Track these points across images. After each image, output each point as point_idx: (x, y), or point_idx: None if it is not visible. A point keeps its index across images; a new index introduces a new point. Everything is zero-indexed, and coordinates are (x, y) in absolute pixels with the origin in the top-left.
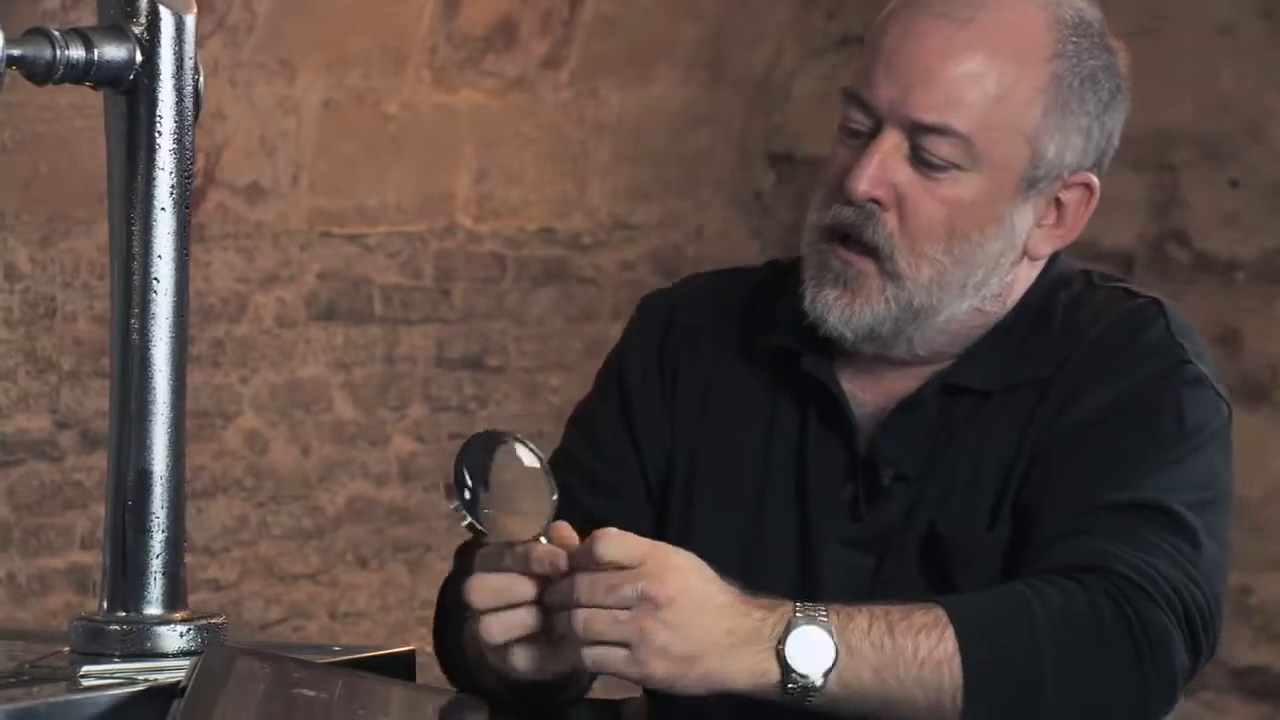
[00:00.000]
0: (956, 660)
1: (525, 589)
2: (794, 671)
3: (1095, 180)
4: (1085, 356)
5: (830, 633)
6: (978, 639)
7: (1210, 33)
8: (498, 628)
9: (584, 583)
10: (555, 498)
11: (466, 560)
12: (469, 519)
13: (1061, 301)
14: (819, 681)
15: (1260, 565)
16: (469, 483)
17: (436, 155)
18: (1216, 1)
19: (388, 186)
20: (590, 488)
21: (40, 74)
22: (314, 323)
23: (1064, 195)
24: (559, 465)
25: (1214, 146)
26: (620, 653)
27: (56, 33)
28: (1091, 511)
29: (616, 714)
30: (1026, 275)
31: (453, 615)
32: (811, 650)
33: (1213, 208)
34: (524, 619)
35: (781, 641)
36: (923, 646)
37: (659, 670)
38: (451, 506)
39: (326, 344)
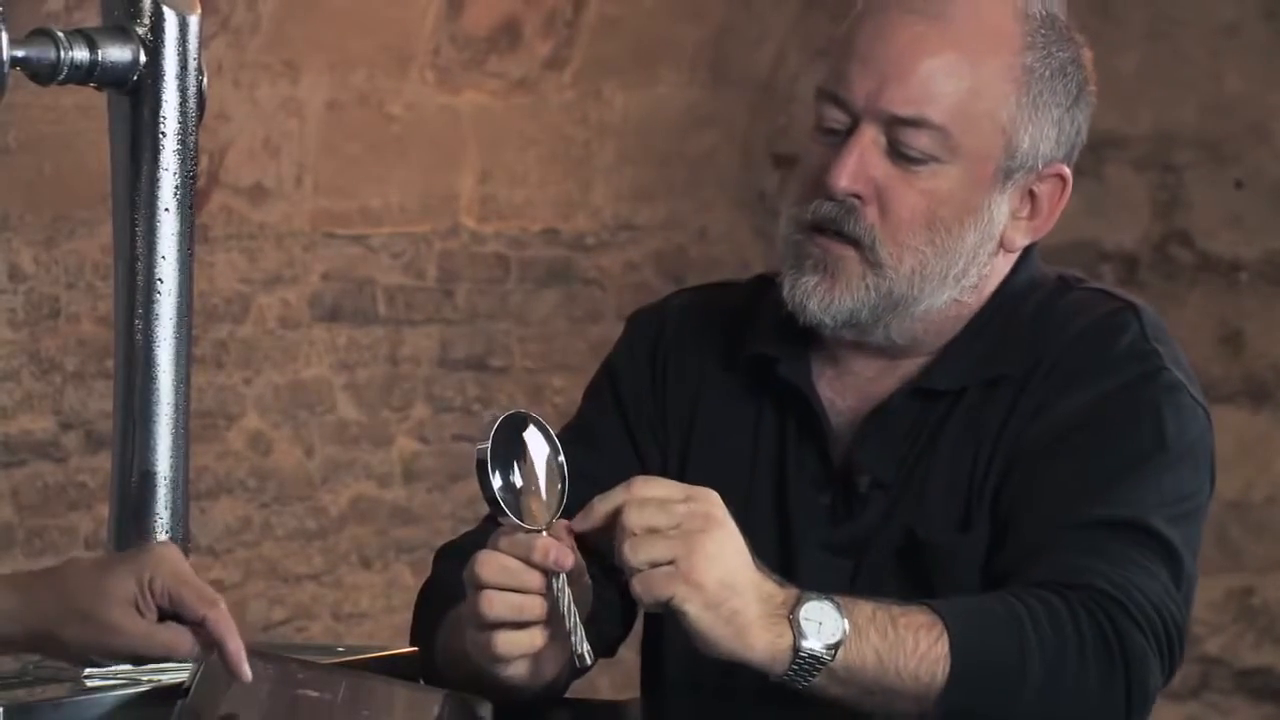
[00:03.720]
0: (946, 663)
1: (533, 579)
2: (805, 640)
3: (1068, 172)
4: (1059, 359)
5: (839, 611)
6: (970, 646)
7: (1215, 34)
8: (502, 645)
9: (632, 508)
10: (565, 490)
11: (448, 563)
12: (499, 501)
13: (1034, 302)
14: (827, 656)
15: (1263, 566)
16: (500, 461)
17: (440, 156)
18: (1221, 3)
19: (391, 187)
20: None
21: (44, 75)
22: (317, 323)
23: (1038, 187)
24: None
25: (1218, 147)
26: (666, 569)
27: (60, 34)
28: (1071, 527)
29: (617, 714)
30: (1001, 267)
31: (432, 615)
32: (822, 624)
33: (1216, 209)
34: (533, 640)
35: (793, 611)
36: (921, 642)
37: (707, 581)
38: (494, 485)
39: (330, 345)
